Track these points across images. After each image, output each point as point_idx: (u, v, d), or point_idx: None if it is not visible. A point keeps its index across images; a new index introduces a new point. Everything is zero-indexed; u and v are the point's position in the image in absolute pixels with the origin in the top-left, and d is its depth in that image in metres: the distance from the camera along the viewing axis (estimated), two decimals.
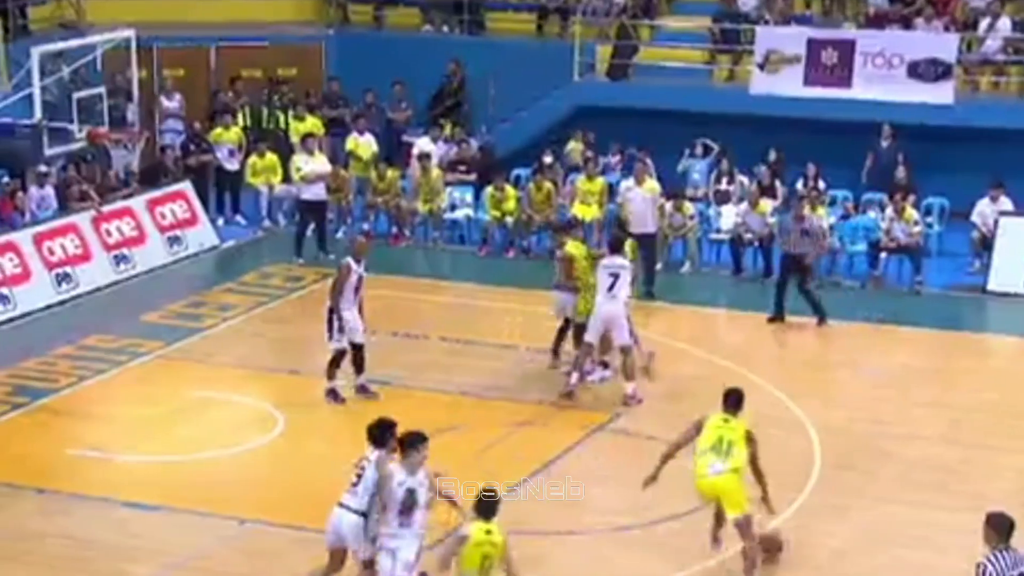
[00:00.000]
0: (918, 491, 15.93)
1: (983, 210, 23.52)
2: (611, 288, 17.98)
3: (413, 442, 12.34)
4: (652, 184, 22.77)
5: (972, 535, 11.42)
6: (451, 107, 27.99)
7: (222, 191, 26.57)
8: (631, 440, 17.17)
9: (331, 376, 18.06)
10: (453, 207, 25.84)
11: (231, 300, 22.38)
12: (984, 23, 26.44)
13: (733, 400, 13.75)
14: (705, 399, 17.90)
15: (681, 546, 14.59)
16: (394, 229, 25.41)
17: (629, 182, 22.89)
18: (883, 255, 23.18)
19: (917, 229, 23.04)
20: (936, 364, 20.16)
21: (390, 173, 25.60)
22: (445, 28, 30.09)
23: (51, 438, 17.31)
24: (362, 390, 18.16)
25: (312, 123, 26.92)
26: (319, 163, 24.44)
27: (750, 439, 13.51)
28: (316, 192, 24.22)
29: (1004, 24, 26.27)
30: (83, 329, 20.91)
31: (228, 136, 26.52)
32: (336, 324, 17.78)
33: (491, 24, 30.05)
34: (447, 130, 27.10)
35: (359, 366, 18.13)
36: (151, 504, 15.44)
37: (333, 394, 18.04)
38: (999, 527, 11.02)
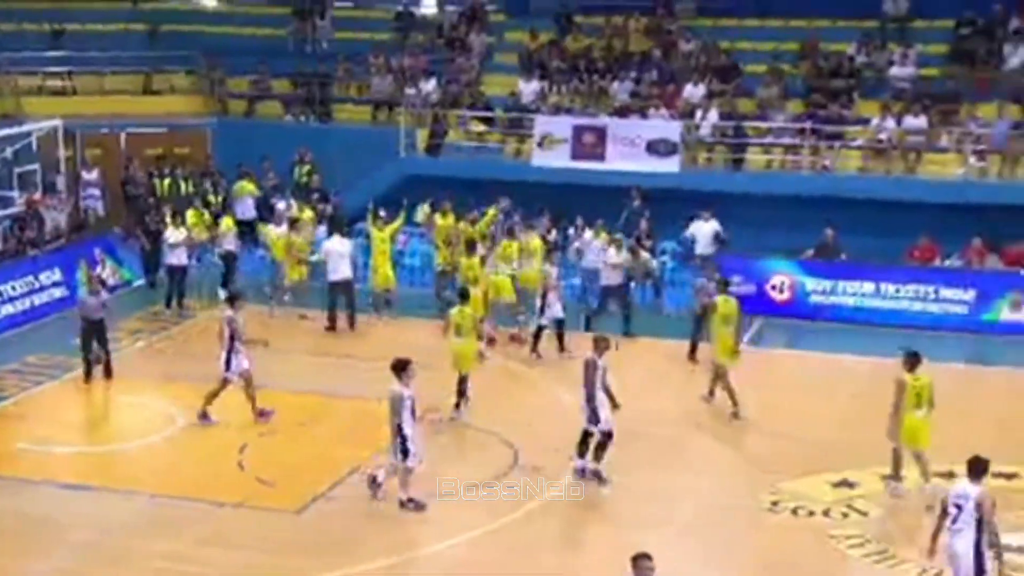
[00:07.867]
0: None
1: None
2: None
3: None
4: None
5: None
6: (304, 180, 27.84)
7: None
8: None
9: (580, 454, 15.46)
10: None
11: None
12: (699, 113, 26.79)
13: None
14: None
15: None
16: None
17: None
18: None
19: (654, 263, 23.30)
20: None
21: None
22: (303, 117, 30.43)
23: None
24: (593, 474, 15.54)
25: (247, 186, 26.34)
26: (181, 234, 23.08)
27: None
28: (179, 257, 23.08)
29: (712, 115, 26.71)
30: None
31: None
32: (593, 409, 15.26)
33: (337, 114, 30.33)
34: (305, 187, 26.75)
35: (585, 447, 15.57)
36: (81, 484, 15.49)
37: (588, 473, 15.46)
38: None
